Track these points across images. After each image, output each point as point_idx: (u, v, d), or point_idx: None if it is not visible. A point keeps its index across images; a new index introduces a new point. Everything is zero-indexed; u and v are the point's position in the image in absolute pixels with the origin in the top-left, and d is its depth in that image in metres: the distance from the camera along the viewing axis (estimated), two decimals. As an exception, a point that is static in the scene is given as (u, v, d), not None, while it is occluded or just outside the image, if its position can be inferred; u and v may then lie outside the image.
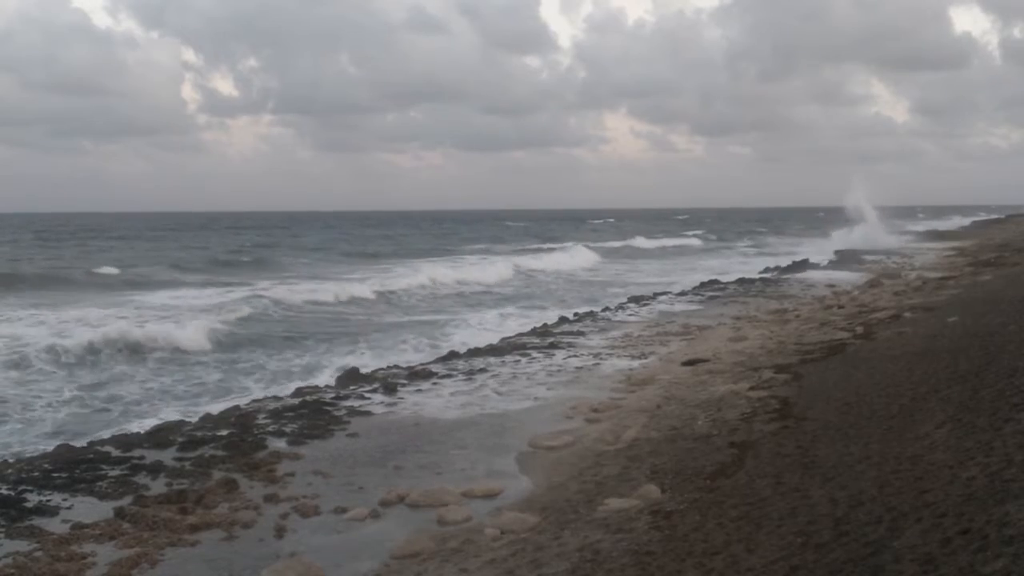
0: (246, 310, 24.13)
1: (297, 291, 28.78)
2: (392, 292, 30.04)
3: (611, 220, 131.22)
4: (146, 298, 28.74)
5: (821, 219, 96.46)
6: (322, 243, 69.47)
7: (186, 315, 22.73)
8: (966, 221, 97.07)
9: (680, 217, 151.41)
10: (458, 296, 30.05)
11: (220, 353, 18.37)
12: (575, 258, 46.23)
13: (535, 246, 62.33)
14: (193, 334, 19.14)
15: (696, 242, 68.39)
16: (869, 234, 52.93)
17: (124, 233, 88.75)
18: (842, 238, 52.05)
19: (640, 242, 64.49)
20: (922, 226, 76.88)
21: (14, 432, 12.25)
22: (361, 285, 30.26)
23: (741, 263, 44.34)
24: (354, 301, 27.75)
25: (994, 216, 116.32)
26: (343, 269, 44.18)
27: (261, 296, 27.32)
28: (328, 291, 28.68)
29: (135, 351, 17.87)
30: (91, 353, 17.41)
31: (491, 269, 37.21)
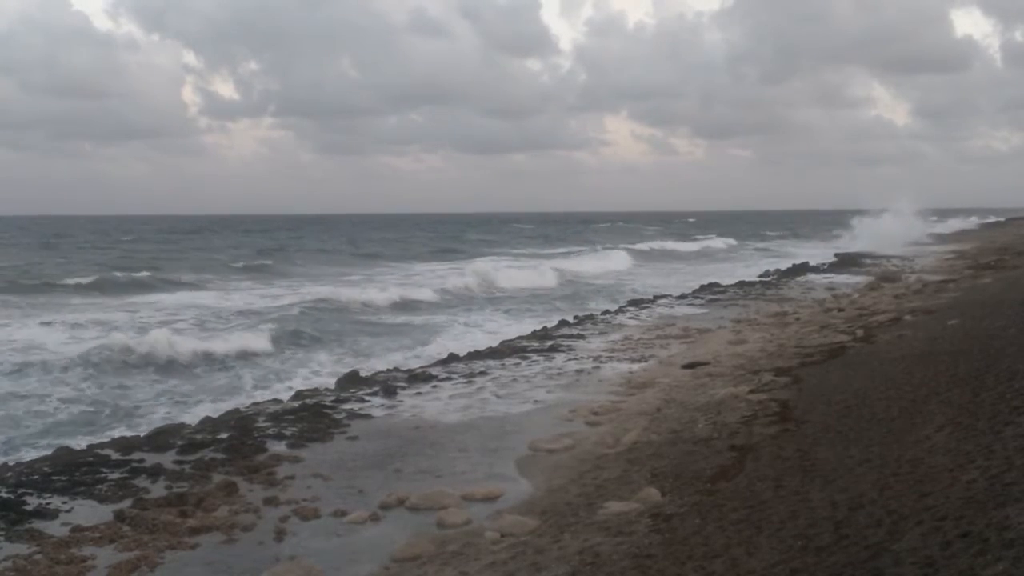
0: (297, 312, 24.25)
1: (343, 292, 28.77)
2: (448, 292, 29.91)
3: (620, 223, 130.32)
4: (195, 300, 28.90)
5: (828, 221, 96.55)
6: (337, 245, 68.99)
7: (250, 318, 22.96)
8: (980, 222, 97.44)
9: (689, 220, 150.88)
10: (516, 300, 29.54)
11: (286, 354, 18.44)
12: (613, 261, 45.97)
13: (564, 249, 62.47)
14: (257, 338, 19.11)
15: (720, 244, 67.80)
16: (899, 232, 54.19)
17: (135, 236, 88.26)
18: (877, 237, 52.94)
19: (667, 244, 63.89)
20: (936, 228, 76.69)
21: (22, 432, 12.30)
22: (418, 288, 30.02)
23: (776, 263, 43.40)
24: (409, 304, 27.47)
25: (995, 219, 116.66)
26: (368, 270, 44.77)
27: (309, 298, 27.49)
28: (375, 293, 28.45)
29: (203, 356, 17.75)
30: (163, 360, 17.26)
31: (533, 273, 36.76)
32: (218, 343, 18.62)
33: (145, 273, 38.20)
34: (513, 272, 36.40)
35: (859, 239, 55.42)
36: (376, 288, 30.25)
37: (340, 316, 24.49)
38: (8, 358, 16.90)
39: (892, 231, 55.29)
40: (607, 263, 44.73)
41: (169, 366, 17.03)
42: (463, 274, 34.46)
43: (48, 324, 21.86)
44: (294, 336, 20.25)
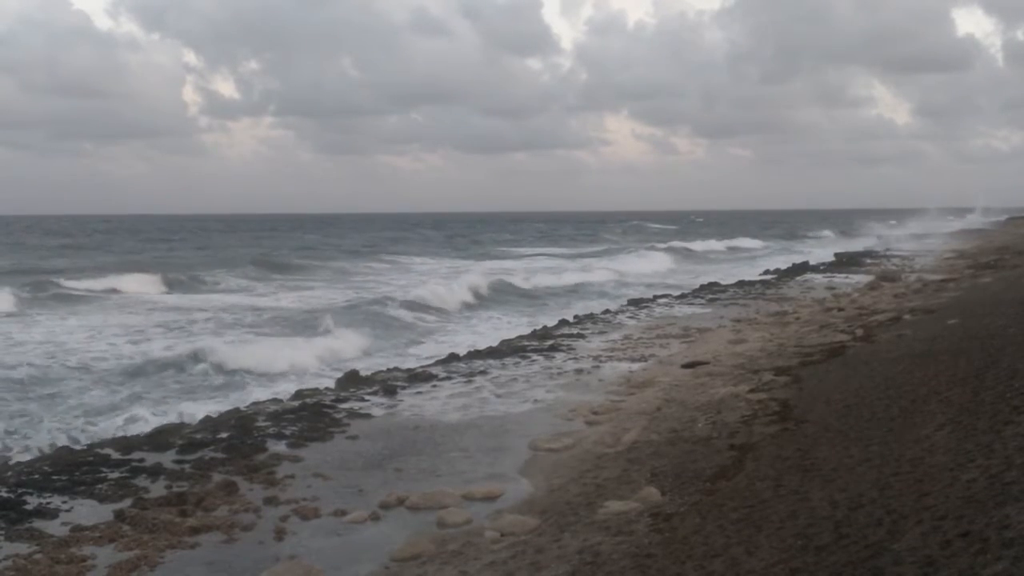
0: (363, 309, 24.51)
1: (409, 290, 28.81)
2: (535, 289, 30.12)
3: (633, 222, 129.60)
4: (248, 302, 29.05)
5: (841, 221, 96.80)
6: (356, 245, 68.72)
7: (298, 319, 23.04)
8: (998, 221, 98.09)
9: (697, 219, 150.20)
10: (583, 297, 29.65)
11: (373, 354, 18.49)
12: (655, 262, 46.28)
13: (589, 249, 62.87)
14: (348, 341, 18.98)
15: (751, 243, 67.28)
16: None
17: (148, 236, 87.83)
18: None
19: (695, 245, 63.24)
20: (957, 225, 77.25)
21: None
22: (471, 287, 29.48)
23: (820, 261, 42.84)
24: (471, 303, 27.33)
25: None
26: (406, 267, 46.09)
27: (367, 296, 27.85)
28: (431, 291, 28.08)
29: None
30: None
31: (590, 274, 37.30)
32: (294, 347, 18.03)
33: (183, 275, 37.63)
34: (570, 273, 36.54)
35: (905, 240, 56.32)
36: (427, 287, 29.81)
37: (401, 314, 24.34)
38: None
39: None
40: (650, 264, 45.19)
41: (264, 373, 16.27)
42: (516, 273, 34.51)
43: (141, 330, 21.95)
44: (375, 335, 20.11)
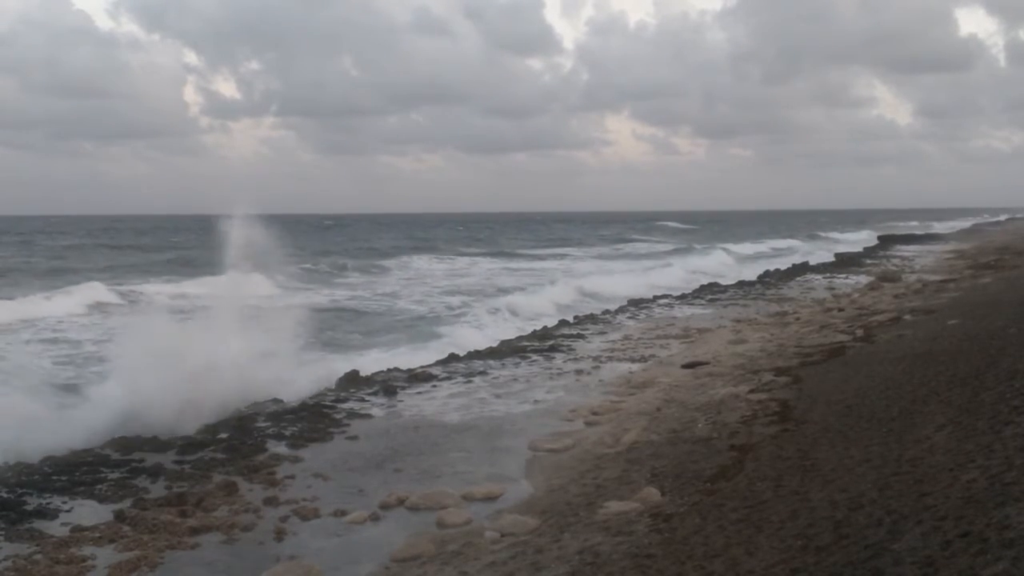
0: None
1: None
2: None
3: (639, 223, 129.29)
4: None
5: (854, 221, 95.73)
6: (382, 246, 68.28)
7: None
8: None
9: (707, 221, 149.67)
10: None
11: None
12: (721, 260, 46.49)
13: (649, 249, 62.51)
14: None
15: (791, 243, 66.83)
16: None
17: (164, 235, 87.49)
18: None
19: (732, 247, 62.66)
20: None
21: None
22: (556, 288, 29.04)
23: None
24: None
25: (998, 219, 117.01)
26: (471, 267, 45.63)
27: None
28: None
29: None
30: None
31: (668, 272, 37.56)
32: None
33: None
34: (648, 275, 36.41)
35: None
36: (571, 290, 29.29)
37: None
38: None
39: None
40: (721, 262, 45.35)
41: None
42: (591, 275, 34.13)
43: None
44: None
